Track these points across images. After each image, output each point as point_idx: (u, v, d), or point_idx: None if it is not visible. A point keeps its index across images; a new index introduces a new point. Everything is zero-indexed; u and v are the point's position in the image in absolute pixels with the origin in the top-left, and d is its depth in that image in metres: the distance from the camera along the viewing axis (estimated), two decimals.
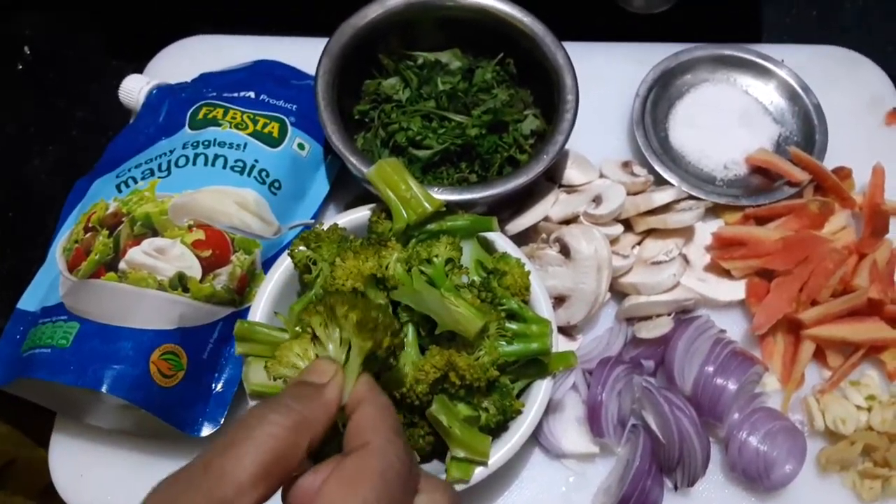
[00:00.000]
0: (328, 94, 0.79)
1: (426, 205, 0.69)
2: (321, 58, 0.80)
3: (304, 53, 0.88)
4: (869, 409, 0.76)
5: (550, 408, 0.75)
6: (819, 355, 0.79)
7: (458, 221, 0.71)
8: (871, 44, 1.02)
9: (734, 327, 0.82)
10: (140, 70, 0.98)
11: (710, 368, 0.74)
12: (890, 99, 0.96)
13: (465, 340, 0.63)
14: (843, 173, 0.87)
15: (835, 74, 0.98)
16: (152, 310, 0.69)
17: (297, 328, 0.64)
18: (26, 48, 1.08)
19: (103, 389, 0.65)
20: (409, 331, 0.65)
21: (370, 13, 0.83)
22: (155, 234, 0.73)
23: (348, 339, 0.50)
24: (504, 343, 0.65)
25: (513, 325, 0.66)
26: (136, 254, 0.72)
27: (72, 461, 0.77)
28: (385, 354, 0.50)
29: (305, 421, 0.42)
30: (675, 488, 0.73)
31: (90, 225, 0.77)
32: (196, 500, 0.37)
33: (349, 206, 0.88)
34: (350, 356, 0.49)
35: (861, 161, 0.88)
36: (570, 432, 0.76)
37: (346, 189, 0.89)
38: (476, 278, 0.70)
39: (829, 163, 0.88)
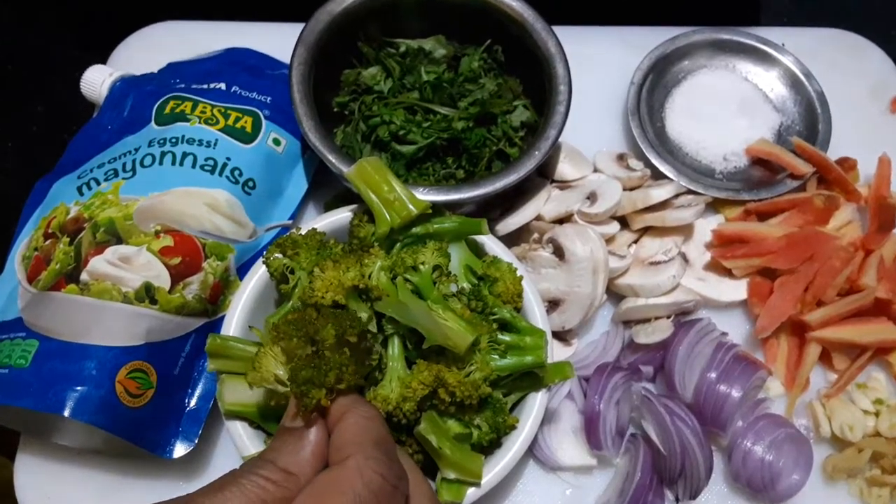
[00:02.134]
0: (304, 87, 0.74)
1: (411, 207, 0.65)
2: (296, 47, 0.75)
3: (279, 40, 0.82)
4: (877, 414, 0.73)
5: (545, 418, 0.71)
6: (824, 358, 0.76)
7: (446, 224, 0.67)
8: (874, 27, 0.98)
9: (736, 329, 0.78)
10: (104, 61, 0.92)
11: (713, 375, 0.71)
12: (895, 85, 0.92)
13: (454, 355, 0.59)
14: (848, 164, 0.84)
15: (838, 60, 0.93)
16: (117, 325, 0.64)
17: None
18: None
19: (66, 414, 0.60)
20: (396, 344, 0.61)
21: None
22: (119, 241, 0.68)
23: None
24: (496, 357, 0.61)
25: (505, 337, 0.62)
26: (98, 263, 0.67)
27: (38, 482, 0.72)
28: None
29: (291, 474, 0.42)
30: (677, 501, 0.70)
31: (50, 231, 0.71)
32: None
33: (329, 205, 0.83)
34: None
35: (866, 151, 0.84)
36: (566, 444, 0.72)
37: (327, 186, 0.84)
38: (466, 285, 0.65)
39: (833, 153, 0.84)
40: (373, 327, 0.59)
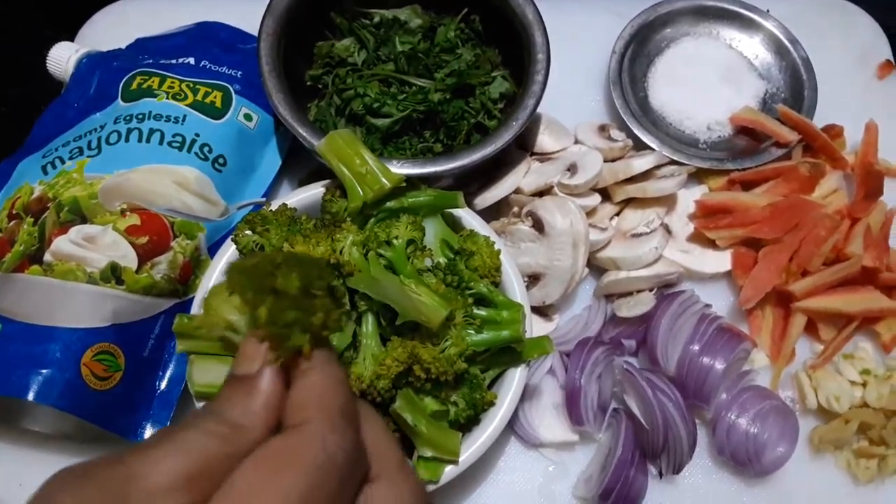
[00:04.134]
0: (273, 58, 0.71)
1: (384, 180, 0.63)
2: (264, 17, 0.73)
3: (252, 15, 0.79)
4: (864, 385, 0.71)
5: (526, 394, 0.70)
6: (810, 328, 0.75)
7: (421, 197, 0.65)
8: None
9: (720, 301, 0.76)
10: (73, 38, 0.89)
11: (696, 347, 0.69)
12: (883, 50, 0.90)
13: (429, 331, 0.57)
14: (834, 132, 0.82)
15: (824, 25, 0.91)
16: (82, 306, 0.63)
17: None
18: None
19: (29, 397, 0.59)
20: (369, 321, 0.59)
21: None
22: (84, 220, 0.66)
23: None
24: (472, 332, 0.60)
25: (482, 312, 0.60)
26: (62, 243, 0.65)
27: (9, 469, 0.70)
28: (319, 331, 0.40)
29: (239, 427, 0.35)
30: (660, 476, 0.69)
31: (14, 212, 0.69)
32: (94, 497, 0.30)
33: (303, 182, 0.81)
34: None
35: (852, 118, 0.83)
36: (548, 420, 0.71)
37: (301, 163, 0.82)
38: (441, 260, 0.64)
39: (819, 121, 0.82)
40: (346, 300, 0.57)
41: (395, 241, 0.61)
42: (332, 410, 0.36)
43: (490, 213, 0.76)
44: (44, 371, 0.60)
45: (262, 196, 0.77)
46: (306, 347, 0.39)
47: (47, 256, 0.64)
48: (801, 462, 0.71)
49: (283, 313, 0.38)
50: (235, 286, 0.40)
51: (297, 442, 0.34)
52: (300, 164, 0.82)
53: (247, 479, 0.32)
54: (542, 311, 0.74)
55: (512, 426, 0.70)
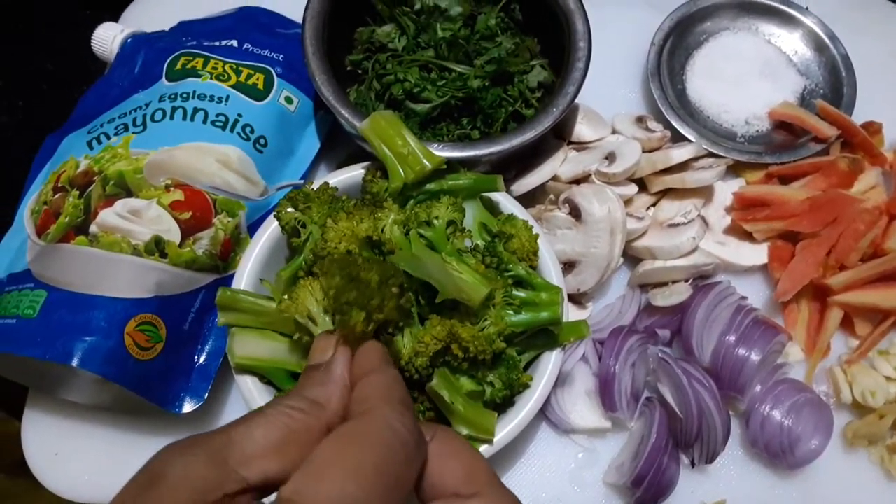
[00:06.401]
0: (317, 41, 0.72)
1: (425, 162, 0.63)
2: (309, 0, 0.73)
3: (290, 1, 0.81)
4: None
5: (559, 381, 0.70)
6: (846, 323, 0.74)
7: (461, 180, 0.65)
8: None
9: (754, 294, 0.76)
10: (115, 19, 0.91)
11: (732, 338, 0.69)
12: None
13: (468, 309, 0.58)
14: (873, 128, 0.81)
15: (863, 22, 0.91)
16: (126, 277, 0.64)
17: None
18: None
19: (74, 364, 0.60)
20: (409, 299, 0.59)
21: None
22: (129, 194, 0.67)
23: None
24: (511, 312, 0.60)
25: (520, 293, 0.61)
26: (108, 216, 0.66)
27: (46, 438, 0.72)
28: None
29: (317, 404, 0.40)
30: (692, 465, 0.69)
31: (59, 185, 0.70)
32: (199, 460, 0.35)
33: (341, 165, 0.81)
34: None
35: (891, 115, 0.82)
36: (580, 406, 0.71)
37: (338, 147, 0.83)
38: (480, 242, 0.64)
39: (858, 117, 0.82)
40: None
41: (435, 222, 0.61)
42: (394, 400, 0.40)
43: (526, 201, 0.76)
44: (88, 339, 0.61)
45: (300, 178, 0.78)
46: (359, 326, 0.46)
47: (93, 228, 0.65)
48: (834, 456, 0.70)
49: (342, 295, 0.46)
50: (328, 272, 0.48)
51: (366, 423, 0.38)
52: (337, 148, 0.83)
53: (324, 454, 0.36)
54: (576, 299, 0.74)
55: (543, 411, 0.71)
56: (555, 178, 0.75)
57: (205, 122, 0.72)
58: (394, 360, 0.57)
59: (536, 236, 0.65)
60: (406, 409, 0.40)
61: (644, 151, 0.76)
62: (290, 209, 0.63)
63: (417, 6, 0.82)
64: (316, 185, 0.65)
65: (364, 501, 0.33)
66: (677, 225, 0.73)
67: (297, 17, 0.78)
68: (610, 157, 0.74)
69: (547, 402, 0.69)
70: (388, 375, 0.43)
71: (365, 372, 0.43)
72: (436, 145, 0.69)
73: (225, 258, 0.70)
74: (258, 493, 0.36)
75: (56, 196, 0.70)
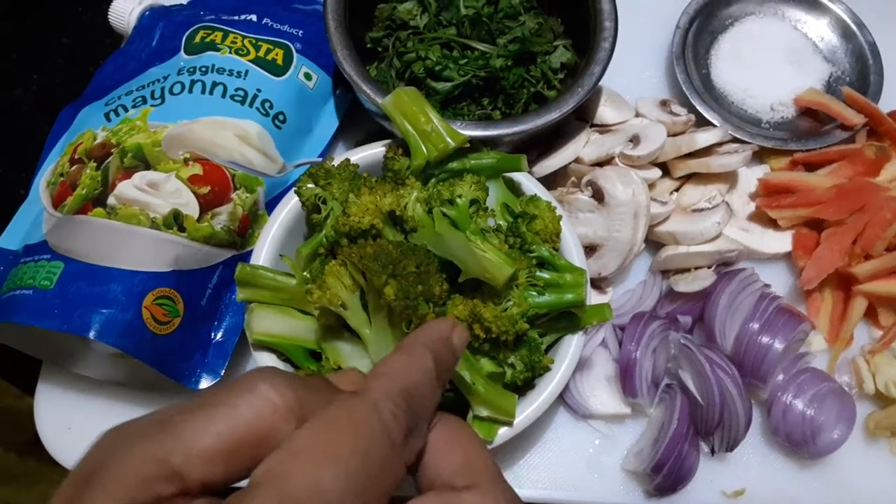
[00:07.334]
0: (338, 15, 0.71)
1: (449, 140, 0.62)
2: None
3: None
4: None
5: (578, 365, 0.69)
6: (869, 313, 0.73)
7: (483, 160, 0.64)
8: None
9: (777, 282, 0.75)
10: None
11: (755, 325, 0.68)
12: None
13: (491, 289, 0.57)
14: None
15: (891, 10, 0.89)
16: (145, 250, 0.63)
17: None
18: None
19: (91, 335, 0.59)
20: None
21: None
22: (147, 166, 0.66)
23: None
24: (534, 293, 0.59)
25: (544, 274, 0.60)
26: (126, 188, 0.65)
27: (59, 413, 0.71)
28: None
29: (300, 408, 0.33)
30: (713, 453, 0.68)
31: (76, 157, 0.69)
32: (136, 457, 0.30)
33: (360, 143, 0.80)
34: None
35: None
36: (599, 391, 0.70)
37: (357, 125, 0.81)
38: (502, 222, 0.63)
39: (885, 105, 0.81)
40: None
41: (458, 200, 0.60)
42: (395, 387, 0.34)
43: (546, 184, 0.75)
44: (105, 311, 0.60)
45: (319, 156, 0.77)
46: (431, 314, 0.49)
47: (111, 200, 0.64)
48: (856, 446, 0.69)
49: (410, 288, 0.49)
50: (368, 270, 0.49)
51: (351, 407, 0.32)
52: (356, 127, 0.82)
53: (303, 436, 0.31)
54: (597, 283, 0.73)
55: (562, 396, 0.70)
56: (577, 160, 0.74)
57: (224, 96, 0.71)
58: None
59: (559, 218, 0.63)
60: (403, 396, 0.34)
61: (668, 136, 0.75)
62: (310, 185, 0.62)
63: None
64: (336, 161, 0.64)
65: (343, 490, 0.29)
66: (702, 210, 0.72)
67: None
68: (634, 140, 0.73)
69: (565, 386, 0.68)
70: (412, 359, 0.37)
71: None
72: (458, 123, 0.68)
73: (243, 234, 0.69)
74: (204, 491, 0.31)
75: (73, 168, 0.69)
